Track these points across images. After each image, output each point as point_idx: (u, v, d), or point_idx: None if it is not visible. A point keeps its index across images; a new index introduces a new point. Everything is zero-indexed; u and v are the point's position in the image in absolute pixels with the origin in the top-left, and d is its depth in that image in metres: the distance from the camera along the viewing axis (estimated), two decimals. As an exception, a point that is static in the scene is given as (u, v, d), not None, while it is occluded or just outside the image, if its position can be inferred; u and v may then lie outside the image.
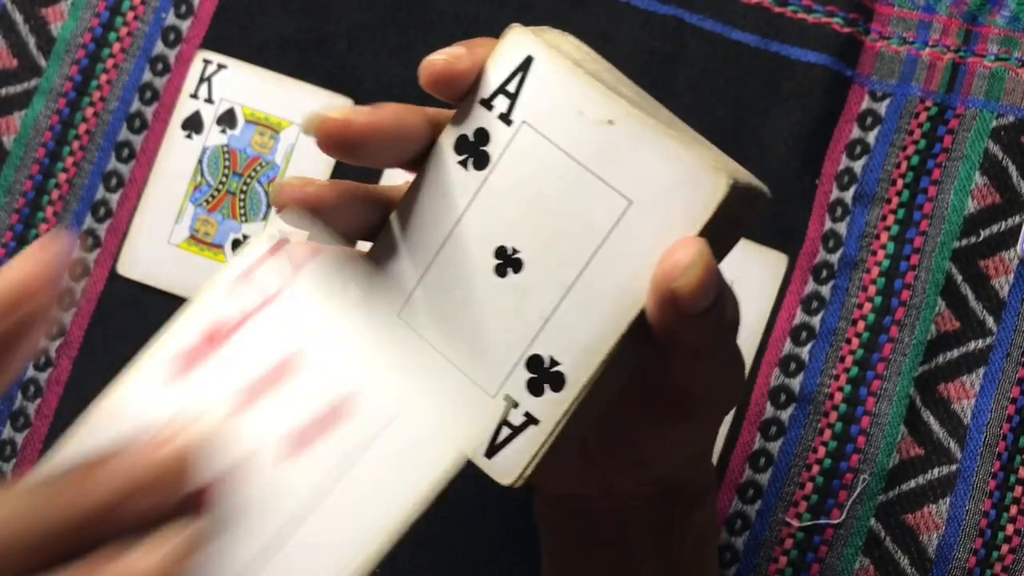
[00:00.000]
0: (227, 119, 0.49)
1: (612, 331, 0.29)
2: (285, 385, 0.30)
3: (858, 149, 0.48)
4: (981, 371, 0.46)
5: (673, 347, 0.30)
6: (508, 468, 0.31)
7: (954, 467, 0.45)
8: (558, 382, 0.30)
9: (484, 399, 0.31)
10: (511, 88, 0.31)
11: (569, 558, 0.39)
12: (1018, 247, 0.46)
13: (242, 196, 0.49)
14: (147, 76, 0.50)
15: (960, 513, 0.45)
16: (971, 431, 0.45)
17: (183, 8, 0.50)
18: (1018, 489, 0.45)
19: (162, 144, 0.49)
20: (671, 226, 0.29)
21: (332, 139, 0.30)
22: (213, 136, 0.49)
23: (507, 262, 0.31)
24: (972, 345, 0.46)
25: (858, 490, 0.45)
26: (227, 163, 0.49)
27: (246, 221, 0.49)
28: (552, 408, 0.30)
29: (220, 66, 0.50)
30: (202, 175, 0.49)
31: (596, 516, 0.37)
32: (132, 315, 0.49)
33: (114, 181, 0.50)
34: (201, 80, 0.49)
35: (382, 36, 0.49)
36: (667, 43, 0.48)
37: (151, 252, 0.49)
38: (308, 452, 0.29)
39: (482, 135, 0.31)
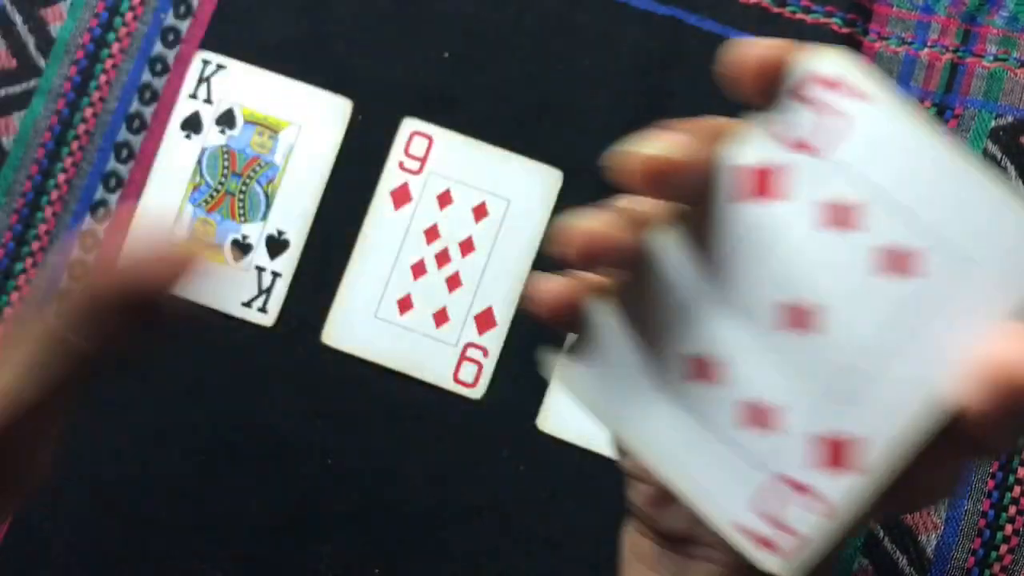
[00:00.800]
0: (226, 119, 0.49)
1: (926, 417, 0.25)
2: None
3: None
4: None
5: (972, 442, 0.26)
6: (792, 559, 0.27)
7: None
8: (852, 467, 0.26)
9: (747, 472, 0.28)
10: (816, 117, 0.27)
11: None
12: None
13: (241, 196, 0.49)
14: (146, 77, 0.50)
15: (959, 514, 0.45)
16: (970, 431, 0.45)
17: (182, 9, 0.50)
18: (1016, 490, 0.45)
19: (161, 144, 0.49)
20: (1008, 290, 0.25)
21: (647, 177, 0.27)
22: (212, 136, 0.49)
23: (798, 319, 0.27)
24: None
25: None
26: (226, 163, 0.49)
27: (245, 221, 0.49)
28: (845, 497, 0.26)
29: (219, 66, 0.50)
30: (201, 175, 0.49)
31: (701, 565, 0.35)
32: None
33: (113, 181, 0.50)
34: (200, 80, 0.50)
35: (381, 36, 0.49)
36: (666, 44, 0.48)
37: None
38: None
39: (774, 171, 0.27)
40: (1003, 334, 0.25)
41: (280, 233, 0.49)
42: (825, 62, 0.27)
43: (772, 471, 0.27)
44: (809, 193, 0.27)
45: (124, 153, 0.50)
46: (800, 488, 0.27)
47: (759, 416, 0.27)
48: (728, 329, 0.28)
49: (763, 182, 0.27)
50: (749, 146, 0.28)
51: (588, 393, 0.30)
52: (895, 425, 0.26)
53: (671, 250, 0.29)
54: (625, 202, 0.30)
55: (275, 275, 0.49)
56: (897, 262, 0.26)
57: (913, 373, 0.26)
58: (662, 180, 0.27)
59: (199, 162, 0.49)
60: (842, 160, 0.27)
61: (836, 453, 0.27)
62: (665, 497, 0.35)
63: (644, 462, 0.29)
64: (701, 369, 0.28)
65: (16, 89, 0.50)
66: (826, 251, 0.27)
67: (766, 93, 0.27)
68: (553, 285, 0.30)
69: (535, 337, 0.48)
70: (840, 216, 0.26)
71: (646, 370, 0.29)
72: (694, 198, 0.28)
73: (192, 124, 0.49)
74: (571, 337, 0.31)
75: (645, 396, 0.29)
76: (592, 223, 0.28)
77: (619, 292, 0.30)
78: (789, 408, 0.27)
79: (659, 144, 0.27)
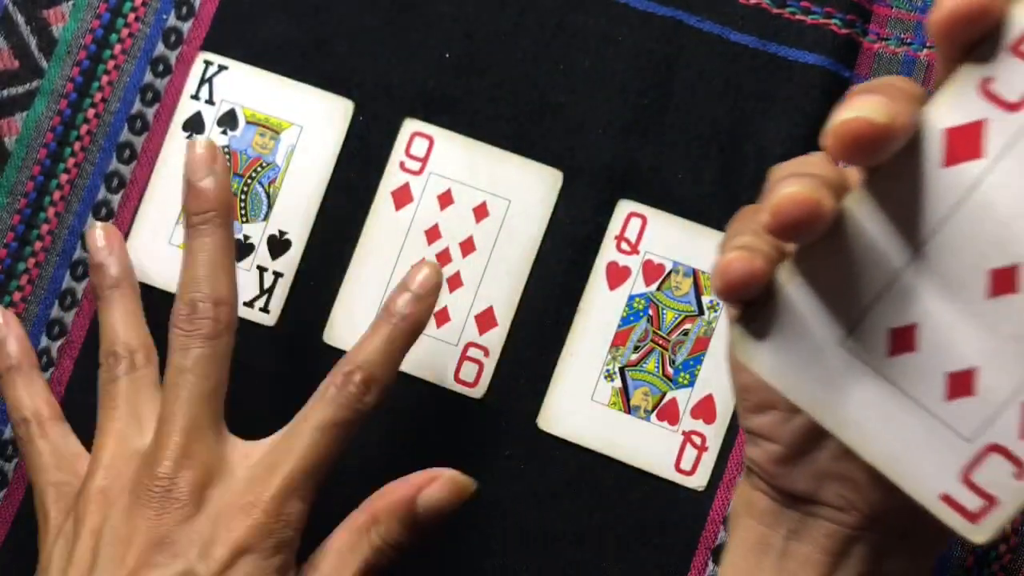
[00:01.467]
0: (228, 120, 0.49)
1: None
2: None
3: None
4: (979, 371, 0.46)
5: None
6: (984, 523, 0.27)
7: None
8: None
9: (957, 443, 0.27)
10: (1019, 73, 0.26)
11: (770, 555, 0.36)
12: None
13: (243, 197, 0.49)
14: (148, 77, 0.50)
15: (958, 512, 0.45)
16: (969, 431, 0.45)
17: (184, 10, 0.50)
18: (1016, 488, 0.45)
19: (163, 145, 0.50)
20: None
21: (866, 144, 0.26)
22: (214, 137, 0.49)
23: (1004, 280, 0.26)
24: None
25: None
26: (227, 164, 0.49)
27: (247, 222, 0.49)
28: None
29: (221, 67, 0.50)
30: (203, 176, 0.49)
31: (823, 521, 0.35)
32: (133, 315, 0.49)
33: (115, 182, 0.50)
34: (202, 81, 0.50)
35: (382, 38, 0.50)
36: (666, 44, 0.48)
37: (153, 253, 0.49)
38: None
39: (974, 128, 0.26)
40: None
41: (282, 233, 0.49)
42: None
43: (983, 441, 0.27)
44: (1015, 151, 0.26)
45: (126, 153, 0.50)
46: (1008, 455, 0.27)
47: (965, 384, 0.27)
48: (933, 297, 0.27)
49: (968, 142, 0.26)
50: (953, 105, 0.27)
51: (777, 368, 0.29)
52: None
53: (869, 217, 0.28)
54: (815, 168, 0.29)
55: (277, 275, 0.49)
56: None
57: None
58: (876, 148, 0.26)
59: (201, 162, 0.49)
60: None
61: None
62: (791, 456, 0.35)
63: (840, 438, 0.28)
64: (905, 340, 0.28)
65: (18, 90, 0.50)
66: None
67: (973, 45, 0.27)
68: (747, 259, 0.29)
69: (536, 337, 0.48)
70: None
71: (842, 343, 0.28)
72: (893, 161, 0.27)
73: (194, 125, 0.50)
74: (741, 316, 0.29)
75: (841, 370, 0.28)
76: (798, 188, 0.27)
77: (810, 263, 0.28)
78: (995, 374, 0.27)
79: (864, 108, 0.26)
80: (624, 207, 0.48)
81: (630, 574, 0.47)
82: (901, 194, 0.27)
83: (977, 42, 0.26)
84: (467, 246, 0.48)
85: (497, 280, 0.48)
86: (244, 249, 0.49)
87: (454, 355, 0.48)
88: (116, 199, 0.50)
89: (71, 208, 0.50)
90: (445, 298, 0.48)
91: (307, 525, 0.42)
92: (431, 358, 0.48)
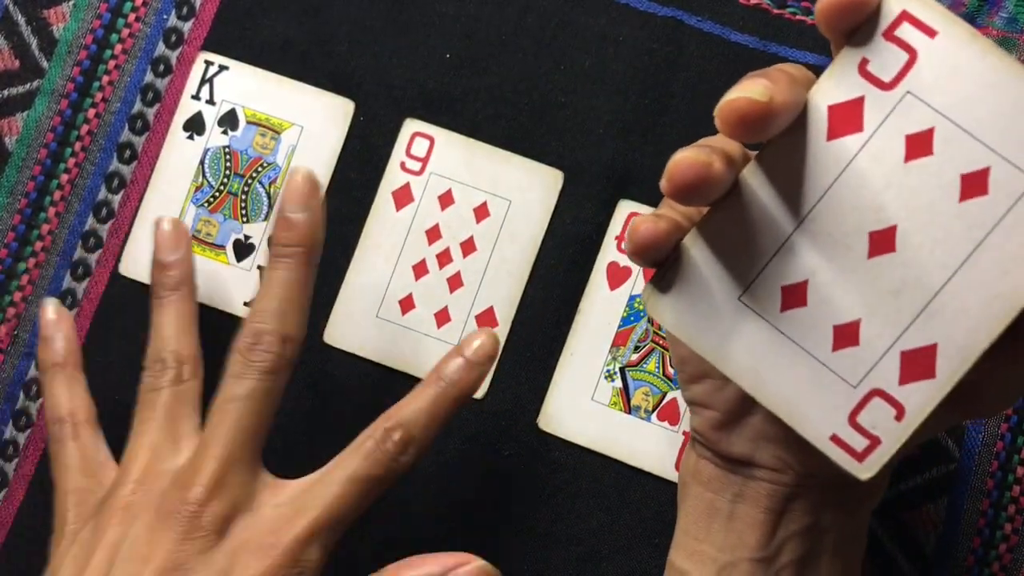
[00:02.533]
0: (228, 120, 0.49)
1: (997, 321, 0.28)
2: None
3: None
4: (979, 371, 0.46)
5: None
6: (867, 462, 0.30)
7: (952, 466, 0.45)
8: (931, 373, 0.29)
9: (843, 389, 0.30)
10: (892, 55, 0.29)
11: (719, 518, 0.38)
12: None
13: (243, 197, 0.49)
14: (149, 77, 0.50)
15: (958, 512, 0.45)
16: (969, 431, 0.45)
17: (184, 10, 0.50)
18: (1016, 489, 0.45)
19: (164, 145, 0.50)
20: None
21: (750, 121, 0.29)
22: (214, 137, 0.49)
23: (882, 241, 0.29)
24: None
25: (857, 489, 0.46)
26: (228, 164, 0.49)
27: (247, 222, 0.49)
28: (919, 401, 0.29)
29: (222, 67, 0.50)
30: (203, 176, 0.49)
31: (762, 483, 0.37)
32: (134, 315, 0.49)
33: (116, 182, 0.50)
34: (203, 81, 0.50)
35: (383, 38, 0.50)
36: (666, 44, 0.49)
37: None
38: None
39: (854, 105, 0.30)
40: None
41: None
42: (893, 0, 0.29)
43: (867, 386, 0.30)
44: (888, 125, 0.29)
45: (127, 153, 0.50)
46: (889, 399, 0.29)
47: (849, 337, 0.30)
48: (821, 258, 0.30)
49: (848, 117, 0.29)
50: (834, 85, 0.30)
51: (680, 322, 0.32)
52: (965, 332, 0.28)
53: (762, 185, 0.31)
54: (714, 142, 0.33)
55: (277, 275, 0.49)
56: (969, 184, 0.28)
57: (983, 284, 0.28)
58: (759, 124, 0.29)
59: (201, 163, 0.49)
60: (915, 91, 0.29)
61: (916, 362, 0.29)
62: (728, 422, 0.37)
63: (739, 384, 0.31)
64: (796, 296, 0.30)
65: (19, 89, 0.50)
66: (905, 178, 0.29)
67: (853, 31, 0.30)
68: (652, 222, 0.32)
69: (536, 337, 0.48)
70: (916, 145, 0.29)
71: (740, 298, 0.31)
72: (784, 135, 0.30)
73: (194, 125, 0.50)
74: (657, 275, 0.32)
75: (739, 323, 0.31)
76: (689, 153, 0.30)
77: (711, 227, 0.31)
78: (877, 327, 0.29)
79: (746, 89, 0.29)
80: (624, 207, 0.48)
81: (630, 574, 0.47)
82: (791, 165, 0.30)
83: (856, 28, 0.29)
84: (467, 246, 0.48)
85: (497, 280, 0.48)
86: (244, 249, 0.49)
87: (454, 355, 0.48)
88: (116, 199, 0.50)
89: (71, 208, 0.50)
90: (445, 298, 0.48)
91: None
92: (431, 358, 0.48)
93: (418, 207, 0.49)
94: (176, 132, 0.50)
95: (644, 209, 0.48)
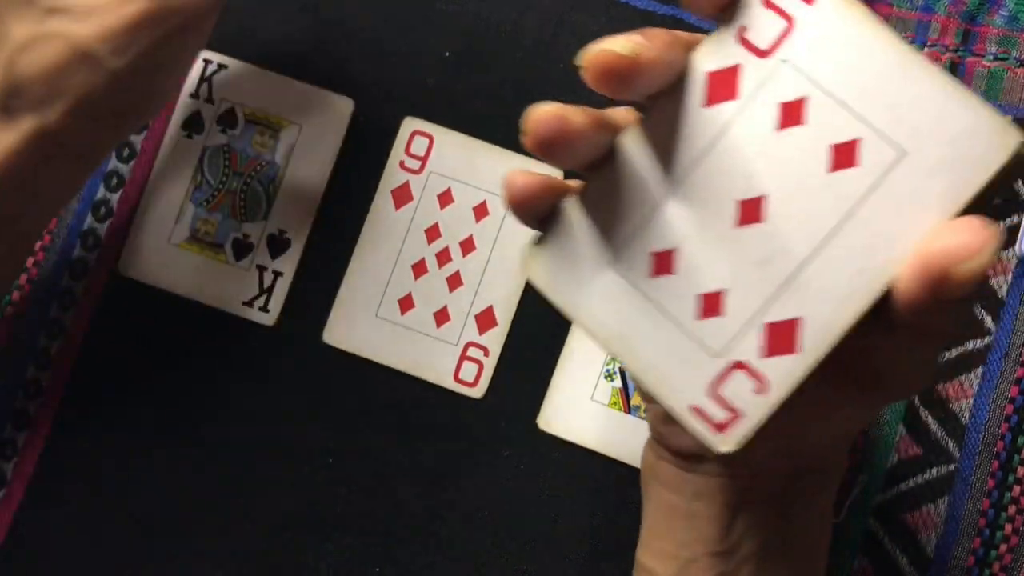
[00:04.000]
0: (227, 119, 0.49)
1: (861, 298, 0.27)
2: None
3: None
4: (979, 371, 0.46)
5: (907, 327, 0.29)
6: (729, 435, 0.29)
7: (952, 467, 0.45)
8: (794, 347, 0.28)
9: (705, 359, 0.29)
10: (769, 23, 0.29)
11: (678, 516, 0.38)
12: (1016, 247, 0.46)
13: (242, 196, 0.49)
14: (147, 76, 0.50)
15: (958, 513, 0.45)
16: (969, 431, 0.45)
17: (183, 8, 0.50)
18: (1016, 489, 0.45)
19: (163, 144, 0.50)
20: (946, 184, 0.26)
21: (614, 74, 0.28)
22: (213, 136, 0.49)
23: (750, 210, 0.29)
24: (970, 345, 0.46)
25: (856, 490, 0.46)
26: (227, 163, 0.49)
27: (246, 220, 0.49)
28: (782, 376, 0.28)
29: (220, 66, 0.50)
30: (202, 175, 0.49)
31: (719, 479, 0.37)
32: (132, 314, 0.49)
33: (115, 181, 0.50)
34: (201, 80, 0.50)
35: (382, 36, 0.49)
36: (666, 43, 0.48)
37: (151, 252, 0.49)
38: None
39: (731, 72, 0.29)
40: (944, 227, 0.26)
41: (281, 232, 0.49)
42: None
43: (729, 358, 0.29)
44: (763, 93, 0.29)
45: (126, 152, 0.50)
46: (750, 372, 0.29)
47: (713, 305, 0.29)
48: (691, 226, 0.30)
49: (724, 85, 0.29)
50: (713, 52, 0.30)
51: (552, 281, 0.31)
52: (830, 307, 0.28)
53: (638, 151, 0.30)
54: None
55: (276, 274, 0.49)
56: (840, 156, 0.28)
57: (851, 259, 0.27)
58: (623, 79, 0.28)
59: (200, 161, 0.49)
60: (790, 59, 0.28)
61: (776, 336, 0.28)
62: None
63: (605, 348, 0.31)
64: (663, 263, 0.30)
65: (17, 88, 0.50)
66: (778, 147, 0.28)
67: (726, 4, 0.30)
68: (528, 176, 0.32)
69: (536, 337, 0.48)
70: (789, 114, 0.28)
71: (610, 262, 0.31)
72: (655, 100, 0.30)
73: (193, 124, 0.49)
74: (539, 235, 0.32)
75: (609, 287, 0.31)
76: (547, 107, 0.29)
77: (588, 190, 0.31)
78: (739, 296, 0.29)
79: (613, 43, 0.28)
80: (624, 206, 0.48)
81: (630, 574, 0.47)
82: (667, 131, 0.30)
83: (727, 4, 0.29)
84: (467, 245, 0.48)
85: (497, 279, 0.48)
86: (244, 248, 0.49)
87: (454, 355, 0.48)
88: (115, 198, 0.50)
89: (70, 208, 0.50)
90: (445, 298, 0.48)
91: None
92: (431, 358, 0.48)
93: (417, 206, 0.49)
94: (175, 131, 0.49)
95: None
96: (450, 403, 0.48)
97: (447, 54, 0.49)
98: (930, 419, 0.46)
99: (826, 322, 0.28)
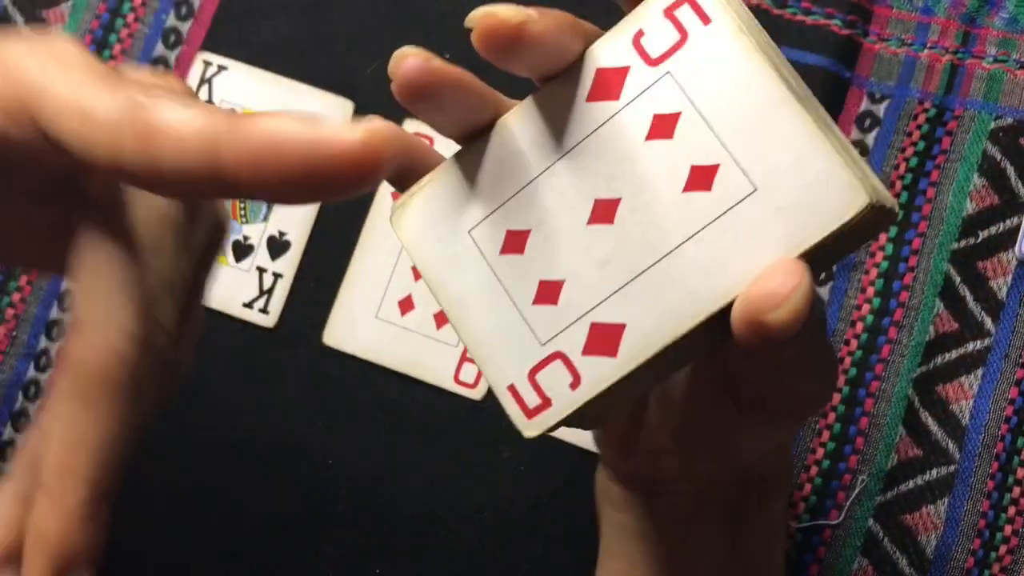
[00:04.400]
0: (227, 121, 0.49)
1: (685, 319, 0.28)
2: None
3: (857, 151, 0.48)
4: (979, 372, 0.46)
5: (753, 357, 0.29)
6: (534, 421, 0.30)
7: (952, 468, 0.45)
8: (613, 351, 0.29)
9: (532, 343, 0.30)
10: (665, 33, 0.29)
11: (630, 535, 0.38)
12: (1016, 248, 0.46)
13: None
14: (148, 77, 0.50)
15: (958, 514, 0.45)
16: (969, 432, 0.45)
17: (183, 10, 0.50)
18: (1016, 490, 0.45)
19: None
20: (790, 228, 0.27)
21: (497, 39, 0.28)
22: (213, 137, 0.49)
23: (604, 211, 0.29)
24: (970, 346, 0.46)
25: (856, 491, 0.46)
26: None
27: (246, 222, 0.49)
28: (597, 375, 0.29)
29: (220, 67, 0.50)
30: (202, 176, 0.49)
31: (667, 497, 0.37)
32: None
33: (115, 182, 0.50)
34: (202, 82, 0.50)
35: (381, 38, 0.50)
36: (666, 45, 0.48)
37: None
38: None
39: (619, 73, 0.30)
40: (765, 270, 0.27)
41: (281, 234, 0.49)
42: None
43: (552, 347, 0.30)
44: (643, 101, 0.29)
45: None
46: (569, 365, 0.29)
47: (551, 293, 0.30)
48: (549, 213, 0.30)
49: (611, 84, 0.30)
50: (610, 48, 0.30)
51: (414, 239, 0.32)
52: (653, 321, 0.28)
53: (517, 124, 0.30)
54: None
55: (276, 276, 0.49)
56: (697, 177, 0.28)
57: (684, 280, 0.28)
58: (511, 47, 0.28)
59: (200, 163, 0.49)
60: (673, 74, 0.29)
61: (599, 337, 0.29)
62: (628, 439, 0.37)
63: (444, 310, 0.31)
64: (515, 241, 0.30)
65: (18, 90, 0.50)
66: (646, 157, 0.29)
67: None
68: (397, 129, 0.30)
69: (535, 338, 0.48)
70: (661, 126, 0.29)
71: (470, 231, 0.31)
72: (545, 79, 0.30)
73: (193, 125, 0.49)
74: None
75: (463, 254, 0.31)
76: (431, 56, 0.29)
77: (463, 156, 0.31)
78: (577, 291, 0.29)
79: (506, 11, 0.28)
80: (624, 208, 0.48)
81: (630, 575, 0.47)
82: (549, 116, 0.30)
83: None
84: (467, 247, 0.48)
85: (497, 281, 0.48)
86: (244, 250, 0.49)
87: (454, 356, 0.48)
88: (115, 199, 0.50)
89: (70, 208, 0.50)
90: (445, 299, 0.48)
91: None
92: (431, 359, 0.48)
93: (417, 208, 0.49)
94: (175, 132, 0.49)
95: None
96: (450, 404, 0.48)
97: (447, 55, 0.49)
98: (930, 420, 0.46)
99: (647, 334, 0.28)
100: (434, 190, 0.31)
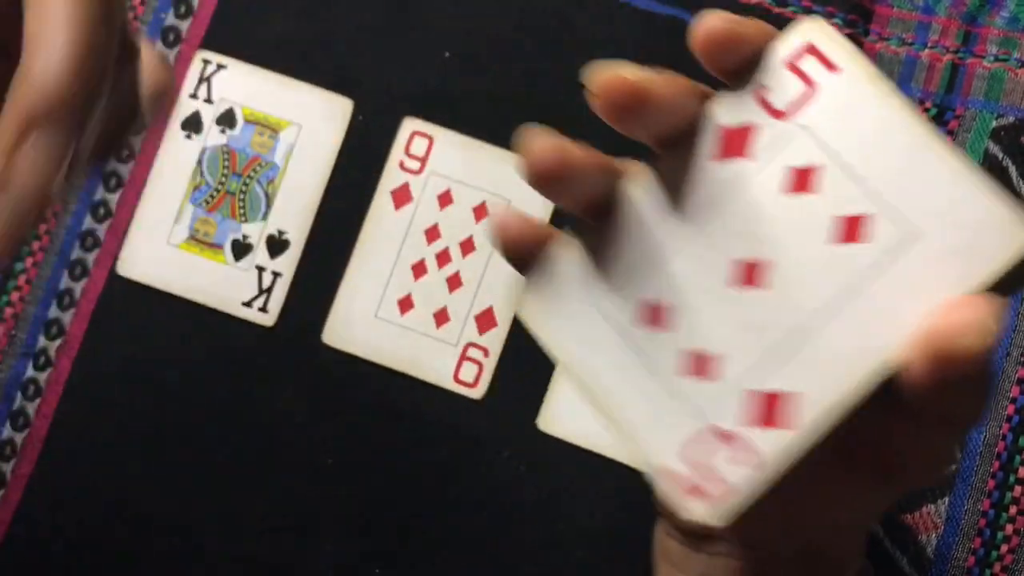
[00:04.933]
0: (226, 119, 0.49)
1: (867, 375, 0.26)
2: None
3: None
4: (980, 371, 0.46)
5: (920, 411, 0.27)
6: (717, 507, 0.27)
7: (953, 467, 0.45)
8: (789, 422, 0.27)
9: (681, 418, 0.28)
10: (790, 85, 0.28)
11: None
12: (1017, 248, 0.46)
13: (241, 196, 0.49)
14: (147, 76, 0.50)
15: (959, 513, 0.45)
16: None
17: (182, 8, 0.50)
18: (1017, 489, 0.45)
19: (162, 144, 0.49)
20: (958, 270, 0.26)
21: (620, 99, 0.27)
22: (212, 136, 0.49)
23: (747, 273, 0.28)
24: (971, 345, 0.46)
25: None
26: (226, 163, 0.49)
27: (245, 221, 0.49)
28: (777, 449, 0.27)
29: (220, 66, 0.50)
30: (201, 175, 0.49)
31: (723, 559, 0.35)
32: (132, 315, 0.49)
33: (113, 181, 0.50)
34: (201, 80, 0.50)
35: (381, 37, 0.49)
36: (667, 44, 0.48)
37: (150, 252, 0.49)
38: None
39: (745, 130, 0.29)
40: (947, 304, 0.25)
41: (280, 233, 0.49)
42: (800, 31, 0.28)
43: (707, 420, 0.28)
44: (777, 156, 0.28)
45: (125, 153, 0.50)
46: (732, 439, 0.27)
47: (701, 365, 0.28)
48: (687, 279, 0.29)
49: (738, 142, 0.29)
50: (730, 106, 0.29)
51: (540, 319, 0.31)
52: (831, 384, 0.26)
53: (642, 195, 0.30)
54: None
55: (275, 275, 0.49)
56: (849, 229, 0.27)
57: (854, 336, 0.26)
58: (636, 109, 0.27)
59: (199, 162, 0.49)
60: (808, 126, 0.28)
61: (771, 408, 0.27)
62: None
63: (583, 394, 0.30)
64: (654, 314, 0.29)
65: (16, 89, 0.50)
66: (787, 213, 0.28)
67: (739, 62, 0.29)
68: (518, 220, 0.31)
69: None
70: (801, 180, 0.28)
71: (599, 307, 0.30)
72: (664, 143, 0.29)
73: (192, 124, 0.49)
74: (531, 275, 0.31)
75: (594, 331, 0.30)
76: (563, 142, 0.28)
77: (586, 231, 0.30)
78: (731, 360, 0.28)
79: (628, 70, 0.27)
80: (624, 207, 0.48)
81: (629, 574, 0.47)
82: (673, 182, 0.29)
83: (740, 57, 0.29)
84: (467, 246, 0.48)
85: (497, 280, 0.48)
86: (242, 248, 0.49)
87: (454, 355, 0.48)
88: (114, 198, 0.50)
89: (69, 208, 0.50)
90: (445, 298, 0.48)
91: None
92: (431, 359, 0.48)
93: (417, 207, 0.48)
94: (174, 131, 0.49)
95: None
96: (450, 404, 0.48)
97: (447, 54, 0.49)
98: (931, 420, 0.46)
99: (826, 399, 0.26)
100: (559, 268, 0.30)
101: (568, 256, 0.30)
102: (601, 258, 0.30)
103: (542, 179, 0.28)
